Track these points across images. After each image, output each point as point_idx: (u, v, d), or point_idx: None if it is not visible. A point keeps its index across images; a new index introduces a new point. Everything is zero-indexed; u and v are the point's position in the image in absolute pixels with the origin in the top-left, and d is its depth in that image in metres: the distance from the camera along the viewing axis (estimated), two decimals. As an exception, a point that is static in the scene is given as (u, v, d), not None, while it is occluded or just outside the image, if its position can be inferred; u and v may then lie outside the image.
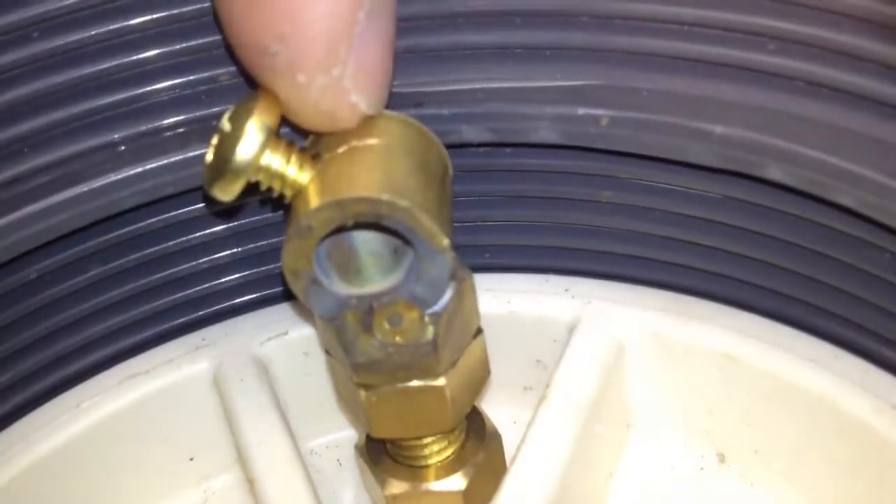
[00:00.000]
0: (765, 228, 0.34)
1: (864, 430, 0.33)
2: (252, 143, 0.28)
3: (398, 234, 0.29)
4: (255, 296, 0.38)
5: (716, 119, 0.32)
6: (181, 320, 0.39)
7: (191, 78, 0.34)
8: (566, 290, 0.38)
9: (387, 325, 0.30)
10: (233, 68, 0.34)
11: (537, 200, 0.37)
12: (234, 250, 0.38)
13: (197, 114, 0.34)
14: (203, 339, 0.39)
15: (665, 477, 0.38)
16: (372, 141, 0.30)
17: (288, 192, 0.29)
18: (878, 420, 0.33)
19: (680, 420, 0.38)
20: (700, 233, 0.36)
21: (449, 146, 0.33)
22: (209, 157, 0.29)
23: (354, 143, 0.30)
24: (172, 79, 0.34)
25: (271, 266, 0.38)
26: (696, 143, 0.32)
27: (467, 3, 0.33)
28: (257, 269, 0.38)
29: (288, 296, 0.38)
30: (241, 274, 0.38)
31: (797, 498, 0.35)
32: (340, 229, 0.29)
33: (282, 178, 0.29)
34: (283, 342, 0.39)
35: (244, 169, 0.28)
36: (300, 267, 0.29)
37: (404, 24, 0.33)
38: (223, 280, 0.38)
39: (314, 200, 0.29)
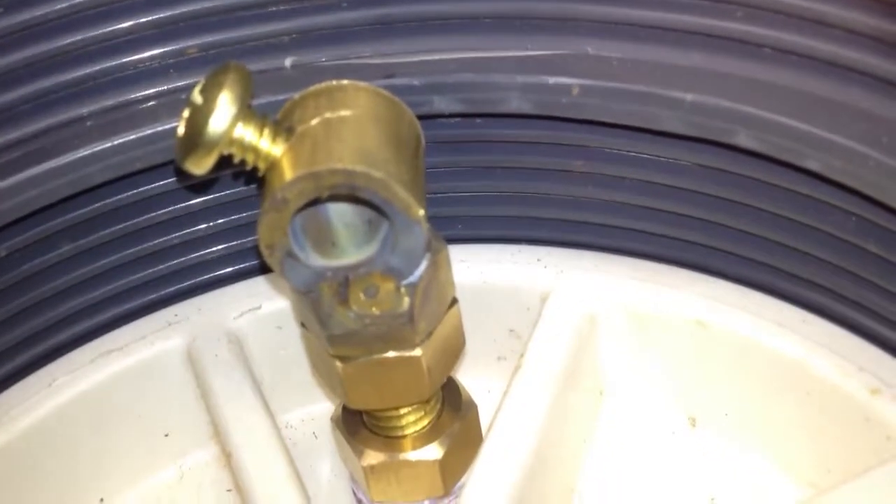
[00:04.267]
0: (734, 195, 0.34)
1: (832, 391, 0.34)
2: (224, 115, 0.28)
3: (373, 206, 0.29)
4: (229, 270, 0.38)
5: (686, 87, 0.32)
6: (154, 296, 0.39)
7: (158, 51, 0.35)
8: (538, 260, 0.39)
9: (363, 297, 0.30)
10: (201, 41, 0.34)
11: (509, 171, 0.37)
12: (207, 224, 0.38)
13: (166, 87, 0.34)
14: (176, 315, 0.39)
15: (638, 441, 0.39)
16: (345, 112, 0.30)
17: (261, 165, 0.29)
18: (846, 381, 0.34)
19: (652, 386, 0.39)
20: (670, 201, 0.36)
21: (420, 117, 0.33)
22: (181, 130, 0.29)
23: (328, 115, 0.30)
24: (140, 52, 0.34)
25: (246, 240, 0.38)
26: (667, 110, 0.32)
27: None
28: (231, 244, 0.38)
29: (263, 269, 0.38)
30: (215, 248, 0.38)
31: (767, 459, 0.36)
32: (315, 202, 0.29)
33: (255, 150, 0.29)
34: (256, 316, 0.39)
35: (217, 142, 0.28)
36: (276, 240, 0.29)
37: (375, -6, 0.33)
38: (196, 255, 0.38)
39: (289, 173, 0.28)
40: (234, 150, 0.29)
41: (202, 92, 0.29)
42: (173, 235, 0.37)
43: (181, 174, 0.33)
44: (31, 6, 0.32)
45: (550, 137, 0.34)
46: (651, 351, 0.38)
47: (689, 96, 0.31)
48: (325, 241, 0.30)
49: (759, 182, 0.33)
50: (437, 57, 0.35)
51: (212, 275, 0.39)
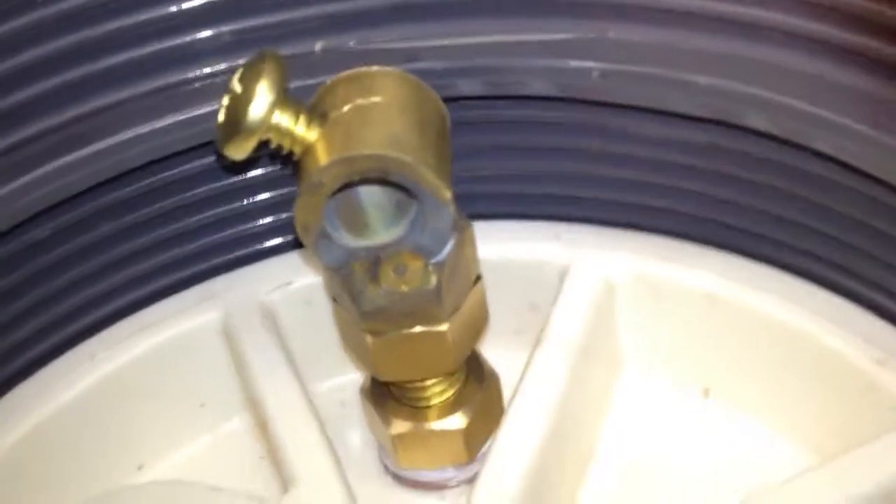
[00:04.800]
0: (745, 173, 0.36)
1: (839, 362, 0.36)
2: (263, 102, 0.30)
3: (403, 188, 0.31)
4: (266, 245, 0.40)
5: (700, 70, 0.33)
6: (190, 271, 0.40)
7: (194, 37, 0.36)
8: (557, 237, 0.40)
9: (393, 275, 0.32)
10: (235, 26, 0.36)
11: (529, 150, 0.38)
12: (244, 202, 0.39)
13: (205, 70, 0.35)
14: (210, 291, 0.41)
15: (653, 410, 0.41)
16: (375, 99, 0.31)
17: (297, 150, 0.31)
18: (852, 352, 0.36)
19: (666, 357, 0.40)
20: (684, 178, 0.38)
21: (444, 99, 0.34)
22: (221, 117, 0.30)
23: (359, 101, 0.31)
24: (177, 38, 0.36)
25: (281, 216, 0.40)
26: (682, 93, 0.34)
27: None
28: (266, 220, 0.40)
29: (297, 245, 0.40)
30: (252, 224, 0.40)
31: (776, 427, 0.38)
32: (348, 185, 0.31)
33: (291, 135, 0.31)
34: (288, 291, 0.40)
35: (256, 128, 0.30)
36: (310, 221, 0.31)
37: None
38: (233, 231, 0.40)
39: (324, 158, 0.30)
40: (271, 136, 0.31)
41: (240, 80, 0.31)
42: (210, 213, 0.39)
43: (221, 156, 0.34)
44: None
45: (569, 118, 0.36)
46: (665, 324, 0.40)
47: (702, 79, 0.33)
48: (356, 222, 0.32)
49: (769, 161, 0.34)
50: (459, 41, 0.36)
51: (249, 250, 0.41)
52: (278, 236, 0.41)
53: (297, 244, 0.41)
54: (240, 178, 0.39)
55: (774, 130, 0.32)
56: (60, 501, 0.38)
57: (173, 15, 0.36)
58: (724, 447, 0.39)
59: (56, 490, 0.38)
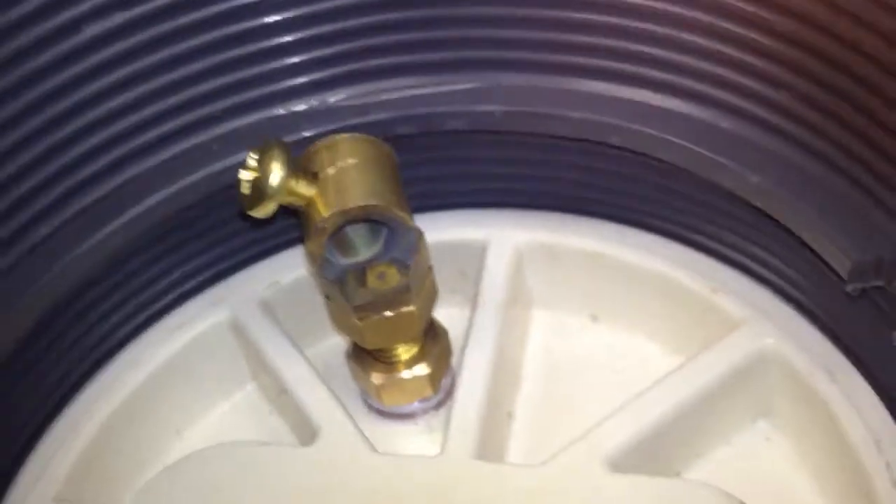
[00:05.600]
0: (609, 168, 0.48)
1: (686, 293, 0.47)
2: (278, 178, 0.41)
3: (379, 222, 0.43)
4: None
5: (569, 106, 0.46)
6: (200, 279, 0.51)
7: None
8: (476, 221, 0.51)
9: (376, 280, 0.44)
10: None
11: (452, 164, 0.50)
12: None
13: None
14: (218, 295, 0.51)
15: (557, 336, 0.52)
16: (351, 160, 0.43)
17: (301, 204, 0.42)
18: (694, 285, 0.47)
19: (564, 298, 0.51)
20: (563, 172, 0.49)
21: (386, 138, 0.46)
22: (245, 190, 0.42)
23: (339, 163, 0.43)
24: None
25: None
26: (560, 122, 0.46)
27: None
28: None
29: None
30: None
31: (648, 340, 0.50)
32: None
33: (297, 195, 0.42)
34: (278, 288, 0.51)
35: (275, 196, 0.41)
36: (317, 252, 0.43)
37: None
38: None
39: (324, 210, 0.41)
40: (284, 200, 0.42)
41: (257, 162, 0.42)
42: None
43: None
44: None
45: (479, 143, 0.48)
46: (561, 276, 0.51)
47: (575, 114, 0.46)
48: (346, 247, 0.44)
49: (625, 160, 0.46)
50: (396, 95, 0.48)
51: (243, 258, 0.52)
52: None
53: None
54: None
55: (628, 146, 0.45)
56: (140, 462, 0.48)
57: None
58: (612, 358, 0.50)
59: (134, 453, 0.48)
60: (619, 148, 0.45)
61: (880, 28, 0.34)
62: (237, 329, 0.50)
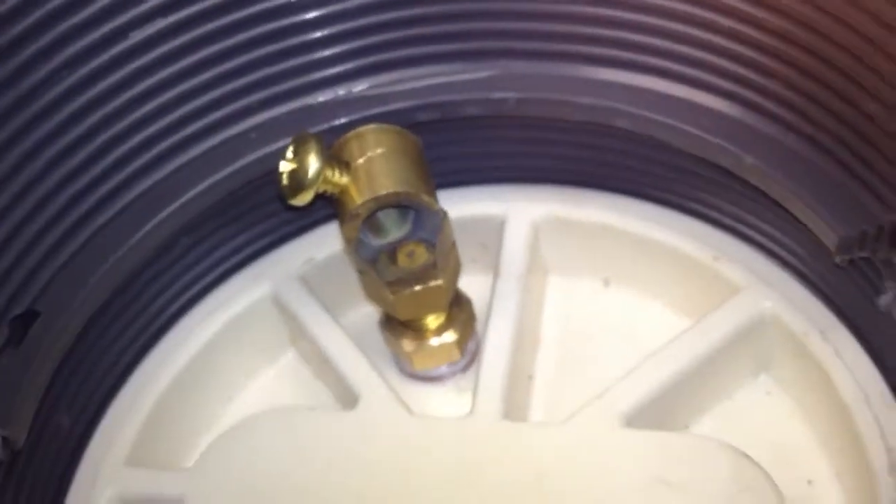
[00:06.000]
0: (615, 146, 0.51)
1: (691, 260, 0.50)
2: (315, 169, 0.45)
3: (407, 206, 0.47)
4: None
5: (579, 93, 0.50)
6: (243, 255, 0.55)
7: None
8: (495, 196, 0.55)
9: (405, 258, 0.48)
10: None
11: (468, 150, 0.54)
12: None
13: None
14: (260, 271, 0.55)
15: (572, 299, 0.55)
16: (379, 150, 0.47)
17: (336, 192, 0.46)
18: (697, 253, 0.50)
19: (578, 265, 0.54)
20: (572, 151, 0.53)
21: (408, 126, 0.50)
22: (284, 181, 0.46)
23: (369, 154, 0.47)
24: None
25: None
26: (568, 108, 0.50)
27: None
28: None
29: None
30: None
31: (658, 303, 0.52)
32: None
33: (332, 184, 0.46)
34: (313, 264, 0.55)
35: (312, 187, 0.45)
36: (351, 236, 0.47)
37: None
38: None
39: (357, 198, 0.45)
40: (320, 188, 0.46)
41: (294, 154, 0.46)
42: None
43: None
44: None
45: (497, 132, 0.52)
46: (575, 245, 0.54)
47: (584, 99, 0.49)
48: (378, 229, 0.48)
49: (631, 140, 0.50)
50: (416, 85, 0.51)
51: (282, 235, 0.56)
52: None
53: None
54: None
55: (633, 129, 0.49)
56: (197, 426, 0.53)
57: None
58: (624, 320, 0.53)
59: (192, 418, 0.52)
60: (625, 130, 0.48)
61: (855, 26, 0.38)
62: (278, 303, 0.54)
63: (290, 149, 0.45)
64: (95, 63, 0.46)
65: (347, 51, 0.51)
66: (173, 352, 0.52)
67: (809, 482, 0.47)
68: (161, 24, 0.47)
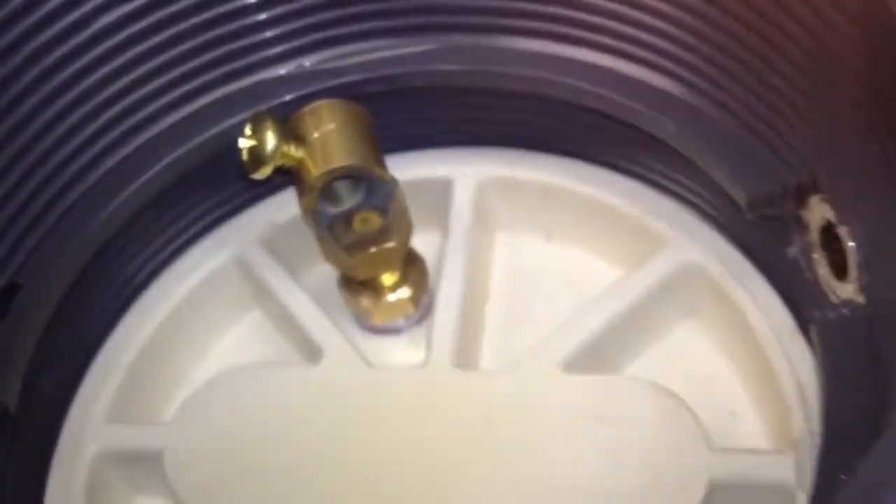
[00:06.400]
0: (556, 112, 0.56)
1: (620, 214, 0.54)
2: (271, 145, 0.49)
3: (358, 177, 0.51)
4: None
5: (518, 65, 0.53)
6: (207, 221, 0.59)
7: None
8: (442, 160, 0.59)
9: (360, 223, 0.52)
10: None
11: (413, 118, 0.57)
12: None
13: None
14: (223, 237, 0.59)
15: (517, 257, 0.58)
16: (332, 125, 0.50)
17: (292, 165, 0.50)
18: (626, 208, 0.54)
19: (520, 221, 0.57)
20: (514, 114, 0.56)
21: (357, 97, 0.53)
22: (244, 156, 0.49)
23: (323, 129, 0.50)
24: None
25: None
26: (507, 79, 0.53)
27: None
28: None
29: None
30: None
31: (594, 255, 0.56)
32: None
33: (289, 157, 0.49)
34: (274, 227, 0.58)
35: (270, 161, 0.49)
36: (309, 206, 0.51)
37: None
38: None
39: (314, 170, 0.49)
40: (278, 163, 0.49)
41: (253, 132, 0.49)
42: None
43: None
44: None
45: (443, 101, 0.56)
46: (517, 203, 0.57)
47: (528, 72, 0.53)
48: (333, 199, 0.52)
49: (572, 108, 0.53)
50: (365, 58, 0.55)
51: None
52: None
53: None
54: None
55: (567, 98, 0.52)
56: (172, 382, 0.56)
57: None
58: (565, 272, 0.57)
59: (167, 375, 0.56)
60: (561, 99, 0.52)
61: (760, 8, 0.42)
62: (242, 265, 0.57)
63: (248, 126, 0.49)
64: (59, 53, 0.49)
65: (296, 28, 0.54)
66: (145, 315, 0.55)
67: (732, 413, 0.51)
68: (120, 12, 0.50)
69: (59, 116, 0.49)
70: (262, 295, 0.58)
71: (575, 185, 0.57)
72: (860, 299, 0.42)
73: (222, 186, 0.58)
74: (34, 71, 0.48)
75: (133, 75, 0.52)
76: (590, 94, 0.51)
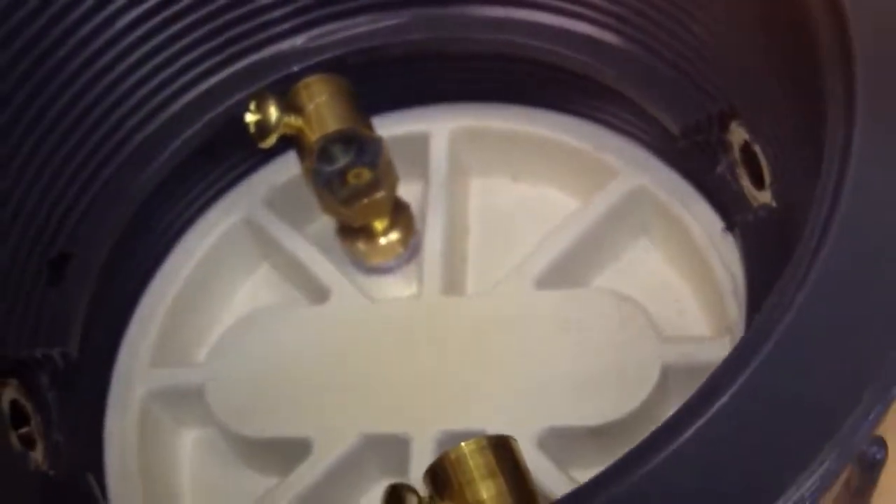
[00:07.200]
0: (518, 69, 0.64)
1: (577, 152, 0.60)
2: (274, 117, 0.57)
3: (350, 138, 0.59)
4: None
5: (480, 30, 0.62)
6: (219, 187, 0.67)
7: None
8: (419, 117, 0.68)
9: (353, 178, 0.61)
10: None
11: (394, 80, 0.66)
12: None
13: None
14: (232, 202, 0.67)
15: (490, 197, 0.64)
16: (324, 97, 0.59)
17: (294, 132, 0.58)
18: (581, 146, 0.60)
19: (490, 166, 0.63)
20: (485, 76, 0.65)
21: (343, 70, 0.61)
22: (252, 130, 0.57)
23: (316, 100, 0.58)
24: None
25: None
26: (471, 43, 0.62)
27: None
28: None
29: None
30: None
31: (556, 189, 0.63)
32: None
33: (289, 126, 0.58)
34: (275, 189, 0.66)
35: (274, 131, 0.57)
36: (309, 167, 0.59)
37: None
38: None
39: (311, 136, 0.57)
40: (281, 132, 0.58)
41: (257, 108, 0.57)
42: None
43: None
44: None
45: (417, 66, 0.63)
46: (487, 150, 0.64)
47: (482, 35, 0.61)
48: (329, 159, 0.60)
49: (534, 62, 0.62)
50: (345, 34, 0.63)
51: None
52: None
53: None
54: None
55: (524, 55, 0.61)
56: (199, 330, 0.65)
57: None
58: (531, 206, 0.62)
59: (196, 322, 0.64)
60: (520, 56, 0.60)
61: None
62: (251, 225, 0.63)
63: (253, 104, 0.57)
64: (94, 46, 0.57)
65: (287, 12, 0.62)
66: (173, 273, 0.62)
67: (680, 312, 0.60)
68: (140, 9, 0.58)
69: (95, 103, 0.58)
70: (271, 249, 0.66)
71: (535, 130, 0.63)
72: (774, 204, 0.51)
73: (229, 156, 0.65)
74: (70, 67, 0.56)
75: (153, 62, 0.60)
76: (545, 50, 0.59)
